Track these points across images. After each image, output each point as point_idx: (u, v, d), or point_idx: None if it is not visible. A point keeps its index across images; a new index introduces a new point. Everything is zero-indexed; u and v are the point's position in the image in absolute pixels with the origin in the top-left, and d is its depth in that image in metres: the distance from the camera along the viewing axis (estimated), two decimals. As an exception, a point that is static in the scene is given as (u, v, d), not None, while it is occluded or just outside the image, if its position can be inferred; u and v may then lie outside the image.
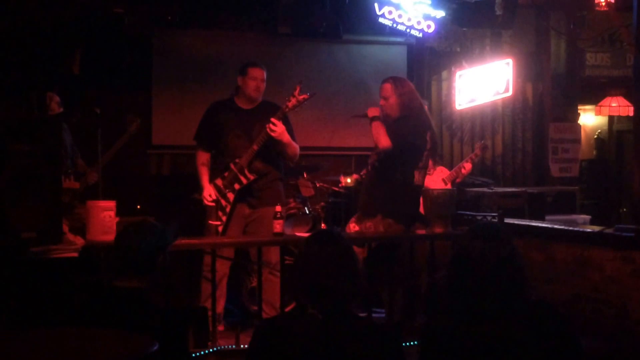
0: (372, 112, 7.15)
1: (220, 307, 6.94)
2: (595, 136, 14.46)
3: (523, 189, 10.11)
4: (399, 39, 10.86)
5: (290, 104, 7.02)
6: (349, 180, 7.29)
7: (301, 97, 7.01)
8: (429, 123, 7.25)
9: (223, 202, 7.09)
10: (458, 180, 8.92)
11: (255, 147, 7.05)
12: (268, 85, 9.78)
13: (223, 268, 6.97)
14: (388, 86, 7.15)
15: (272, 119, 6.96)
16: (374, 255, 6.82)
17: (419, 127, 7.08)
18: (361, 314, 5.66)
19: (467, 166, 8.96)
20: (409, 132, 6.98)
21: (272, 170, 7.30)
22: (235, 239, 6.96)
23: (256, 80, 7.24)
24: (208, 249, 6.67)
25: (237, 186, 7.09)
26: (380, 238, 6.98)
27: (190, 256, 6.72)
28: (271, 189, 7.30)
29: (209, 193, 7.13)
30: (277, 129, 6.96)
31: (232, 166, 7.09)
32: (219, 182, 7.14)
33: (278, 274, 6.98)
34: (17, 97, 6.76)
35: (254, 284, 7.34)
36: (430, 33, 9.43)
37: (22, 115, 6.35)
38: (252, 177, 7.12)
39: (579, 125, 11.67)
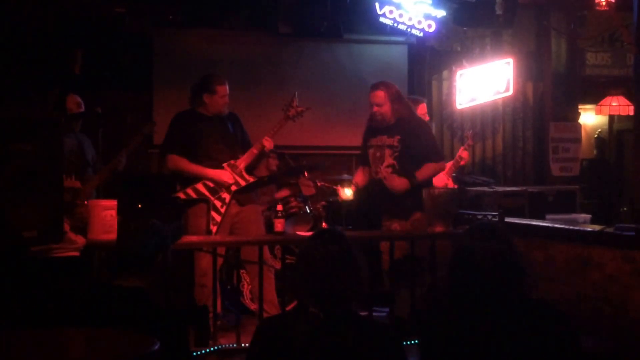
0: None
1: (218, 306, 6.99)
2: (596, 135, 14.47)
3: (523, 188, 10.10)
4: (399, 39, 10.87)
5: (290, 114, 7.21)
6: (347, 192, 7.23)
7: (299, 108, 7.25)
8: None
9: (218, 203, 7.09)
10: (460, 164, 8.88)
11: (255, 150, 7.16)
12: (270, 84, 9.85)
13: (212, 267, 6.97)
14: (381, 93, 7.19)
15: (269, 134, 7.22)
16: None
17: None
18: (362, 313, 5.68)
19: (464, 154, 8.91)
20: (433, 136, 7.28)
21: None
22: (237, 239, 6.97)
23: (225, 97, 7.26)
24: (209, 248, 6.67)
25: (233, 187, 7.11)
26: (383, 237, 7.00)
27: (191, 255, 6.72)
28: (253, 187, 7.43)
29: (227, 176, 7.13)
30: (271, 145, 7.28)
31: (226, 167, 7.12)
32: (209, 183, 7.13)
33: (272, 269, 7.24)
34: (19, 97, 6.77)
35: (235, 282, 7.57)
36: (431, 32, 9.45)
37: (24, 115, 6.35)
38: (251, 180, 7.18)
39: (580, 125, 11.67)
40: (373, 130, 7.33)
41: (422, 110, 7.91)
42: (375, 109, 7.20)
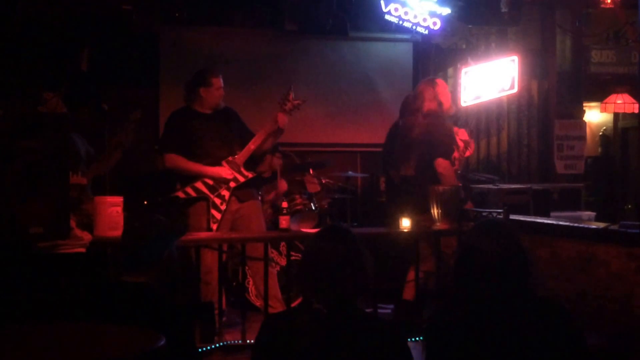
0: None
1: (223, 303, 7.02)
2: (601, 133, 14.45)
3: (528, 185, 10.13)
4: (405, 36, 10.87)
5: (287, 108, 7.15)
6: (405, 222, 7.07)
7: (296, 102, 7.19)
8: None
9: (217, 201, 7.09)
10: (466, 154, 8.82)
11: (252, 146, 7.16)
12: (276, 82, 9.82)
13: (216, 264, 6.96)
14: None
15: (278, 113, 7.17)
16: None
17: None
18: (367, 310, 5.69)
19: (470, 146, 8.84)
20: None
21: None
22: (242, 235, 6.98)
23: (220, 89, 7.27)
24: (215, 245, 6.70)
25: (232, 184, 7.12)
26: (386, 234, 7.02)
27: (197, 252, 6.74)
28: (254, 183, 7.50)
29: (225, 172, 7.14)
30: (284, 120, 7.19)
31: (225, 164, 7.13)
32: (208, 180, 7.13)
33: (274, 264, 7.40)
34: (25, 94, 6.78)
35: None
36: (436, 30, 9.46)
37: (30, 112, 6.37)
38: (250, 175, 7.19)
39: (584, 123, 11.67)
40: None
41: None
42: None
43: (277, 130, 7.18)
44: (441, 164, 7.15)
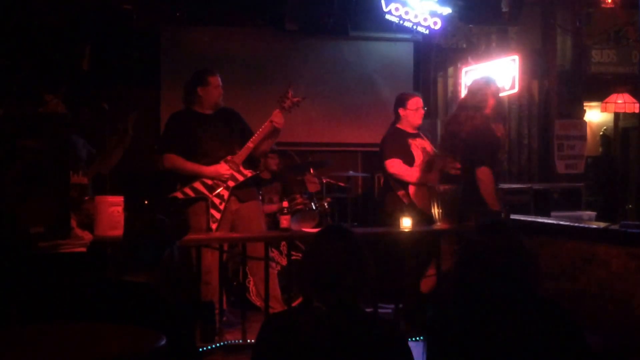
0: None
1: (224, 303, 7.03)
2: (601, 133, 14.44)
3: (529, 185, 10.13)
4: (405, 36, 10.89)
5: (286, 105, 7.10)
6: (406, 222, 6.97)
7: (295, 99, 7.14)
8: None
9: (216, 200, 7.08)
10: None
11: (250, 144, 7.10)
12: (276, 81, 9.82)
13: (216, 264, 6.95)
14: None
15: (276, 111, 7.11)
16: None
17: None
18: (367, 310, 5.69)
19: None
20: None
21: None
22: (243, 235, 6.97)
23: (219, 87, 7.26)
24: (215, 245, 6.70)
25: (231, 183, 7.10)
26: (386, 233, 7.01)
27: (198, 252, 6.74)
28: (253, 183, 7.46)
29: (223, 168, 7.11)
30: (281, 120, 7.11)
31: (223, 163, 7.11)
32: (207, 181, 7.12)
33: (275, 264, 7.37)
34: (26, 94, 6.78)
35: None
36: (437, 30, 9.47)
37: (30, 112, 6.37)
38: (249, 174, 7.15)
39: (585, 122, 11.67)
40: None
41: (412, 105, 7.72)
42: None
43: (275, 127, 7.16)
44: (485, 172, 6.92)
